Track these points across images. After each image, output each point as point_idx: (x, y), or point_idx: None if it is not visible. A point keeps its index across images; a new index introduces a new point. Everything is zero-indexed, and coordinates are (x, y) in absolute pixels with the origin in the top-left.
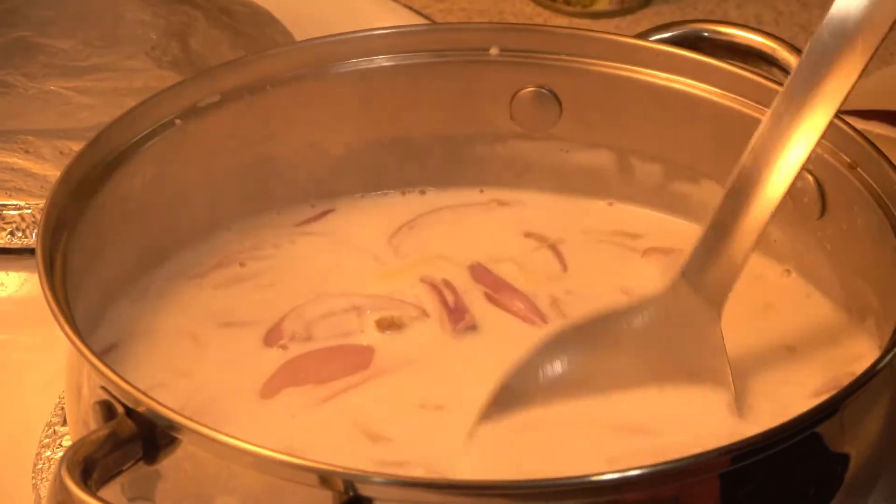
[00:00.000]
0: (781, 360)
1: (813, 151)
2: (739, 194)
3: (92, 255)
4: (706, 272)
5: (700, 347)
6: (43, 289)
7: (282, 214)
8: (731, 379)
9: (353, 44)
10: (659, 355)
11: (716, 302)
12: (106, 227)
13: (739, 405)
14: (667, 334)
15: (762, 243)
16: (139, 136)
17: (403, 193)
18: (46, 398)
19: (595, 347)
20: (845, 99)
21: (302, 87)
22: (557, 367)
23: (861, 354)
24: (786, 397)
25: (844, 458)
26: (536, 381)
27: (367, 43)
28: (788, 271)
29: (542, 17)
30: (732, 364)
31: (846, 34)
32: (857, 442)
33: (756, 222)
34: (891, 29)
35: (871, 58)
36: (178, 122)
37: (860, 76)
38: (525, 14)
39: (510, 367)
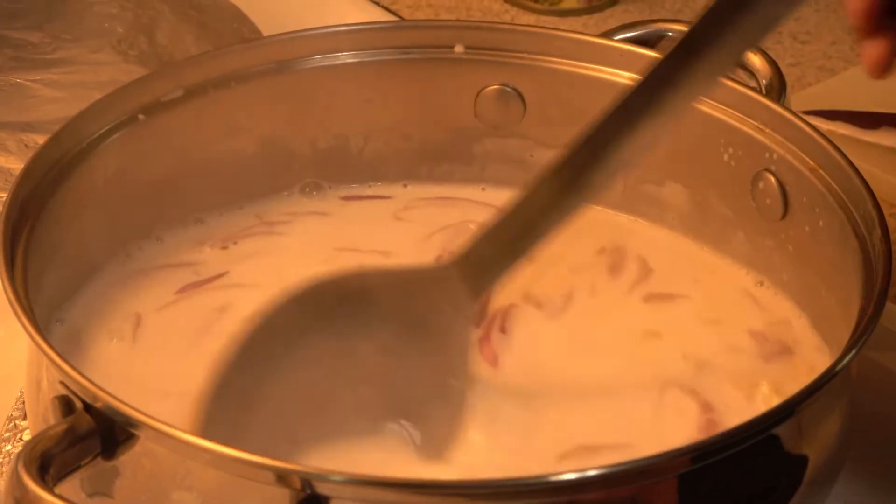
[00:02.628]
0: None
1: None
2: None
3: (52, 248)
4: (480, 265)
5: (445, 340)
6: (3, 283)
7: (244, 209)
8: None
9: (317, 40)
10: (405, 336)
11: (474, 295)
12: (67, 220)
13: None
14: (418, 312)
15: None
16: (102, 131)
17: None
18: (7, 392)
19: (347, 304)
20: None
21: (266, 82)
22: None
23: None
24: None
25: (803, 460)
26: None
27: (331, 39)
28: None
29: (510, 14)
30: None
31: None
32: (815, 444)
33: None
34: None
35: None
36: (141, 116)
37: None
38: (493, 11)
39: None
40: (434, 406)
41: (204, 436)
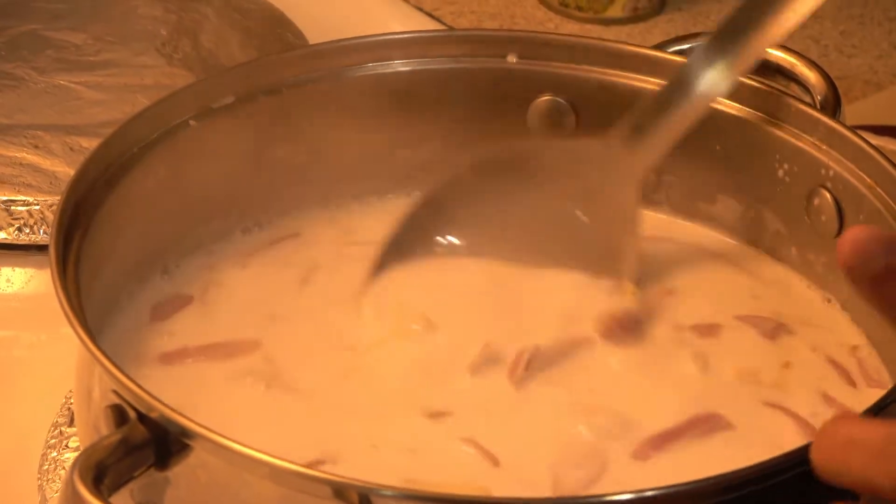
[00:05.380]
0: None
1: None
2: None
3: (104, 254)
4: (642, 133)
5: (613, 211)
6: (56, 290)
7: (296, 218)
8: (629, 261)
9: (369, 48)
10: (572, 207)
11: (640, 167)
12: (119, 225)
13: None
14: (584, 185)
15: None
16: (153, 136)
17: (409, 196)
18: (52, 397)
19: (513, 179)
20: None
21: (317, 89)
22: (478, 194)
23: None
24: None
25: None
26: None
27: (383, 47)
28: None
29: (554, 22)
30: None
31: None
32: None
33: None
34: None
35: None
36: (192, 122)
37: None
38: (536, 18)
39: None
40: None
41: None
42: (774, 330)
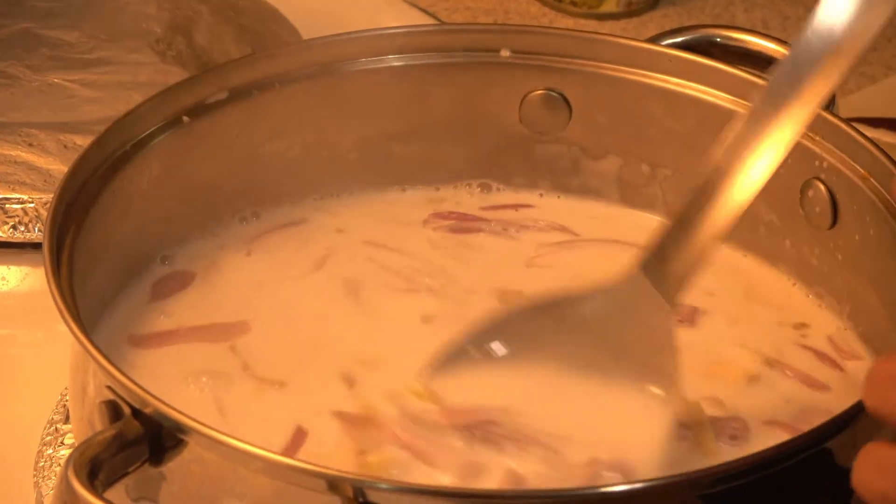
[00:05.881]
0: None
1: (787, 157)
2: (708, 191)
3: (98, 251)
4: (665, 265)
5: (651, 344)
6: (50, 287)
7: (290, 212)
8: (676, 382)
9: (362, 43)
10: (608, 347)
11: (671, 297)
12: (113, 223)
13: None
14: (618, 326)
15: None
16: (147, 133)
17: (404, 191)
18: (48, 395)
19: (546, 329)
20: (823, 103)
21: (310, 85)
22: (507, 342)
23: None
24: None
25: None
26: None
27: (376, 42)
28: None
29: (548, 17)
30: None
31: (832, 40)
32: None
33: (721, 222)
34: (875, 39)
35: (854, 66)
36: (185, 118)
37: (840, 83)
38: (531, 14)
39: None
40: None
41: None
42: None
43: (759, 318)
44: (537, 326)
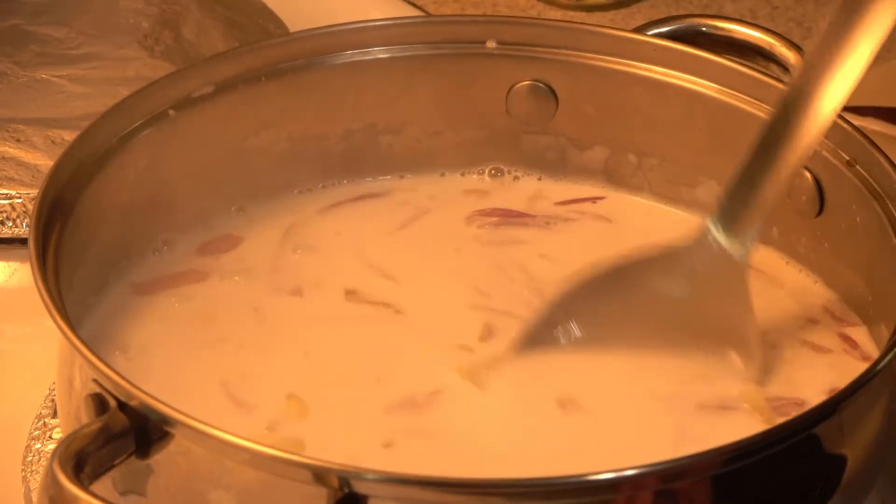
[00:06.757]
0: None
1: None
2: (792, 110)
3: (84, 246)
4: (735, 217)
5: (726, 306)
6: (35, 281)
7: (279, 204)
8: (756, 343)
9: (347, 35)
10: (683, 312)
11: (746, 250)
12: (99, 217)
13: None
14: (692, 289)
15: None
16: (132, 127)
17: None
18: (36, 389)
19: (617, 298)
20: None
21: (297, 78)
22: (580, 316)
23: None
24: None
25: (842, 460)
26: (561, 328)
27: (362, 35)
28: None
29: (536, 9)
30: None
31: None
32: (854, 444)
33: (808, 139)
34: None
35: None
36: (171, 112)
37: None
38: (519, 6)
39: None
40: None
41: None
42: None
43: None
44: (607, 305)
